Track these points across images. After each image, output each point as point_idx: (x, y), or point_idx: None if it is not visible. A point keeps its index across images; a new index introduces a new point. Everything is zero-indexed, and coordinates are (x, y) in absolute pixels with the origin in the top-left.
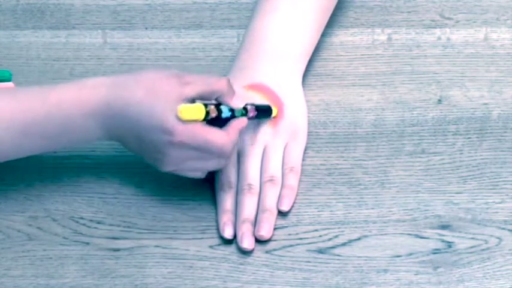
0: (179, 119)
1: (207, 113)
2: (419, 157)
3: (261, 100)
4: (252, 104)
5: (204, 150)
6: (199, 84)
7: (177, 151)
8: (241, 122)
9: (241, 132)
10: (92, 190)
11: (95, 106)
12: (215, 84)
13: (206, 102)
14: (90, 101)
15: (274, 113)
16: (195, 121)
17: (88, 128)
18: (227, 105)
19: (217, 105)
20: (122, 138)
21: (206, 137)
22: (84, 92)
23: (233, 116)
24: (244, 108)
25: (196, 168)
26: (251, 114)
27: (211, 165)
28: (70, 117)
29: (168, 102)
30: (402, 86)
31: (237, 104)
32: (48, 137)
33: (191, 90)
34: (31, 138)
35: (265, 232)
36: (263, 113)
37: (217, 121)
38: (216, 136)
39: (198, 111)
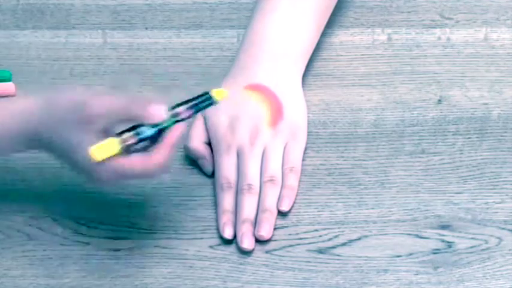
0: (97, 161)
1: (123, 143)
2: (419, 157)
3: (258, 101)
4: (184, 102)
5: (135, 177)
6: (106, 117)
7: (107, 183)
8: (174, 134)
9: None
10: (92, 190)
11: (19, 133)
12: (133, 110)
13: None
14: (13, 128)
15: (220, 96)
16: (112, 157)
17: (19, 146)
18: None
19: (135, 127)
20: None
21: (128, 169)
22: (7, 117)
23: (163, 128)
24: (176, 114)
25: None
26: (186, 115)
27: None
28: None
29: (82, 140)
30: (402, 86)
31: (160, 115)
32: None
33: (98, 126)
34: None
35: (265, 232)
36: (202, 103)
37: (146, 140)
38: (140, 165)
39: (111, 147)
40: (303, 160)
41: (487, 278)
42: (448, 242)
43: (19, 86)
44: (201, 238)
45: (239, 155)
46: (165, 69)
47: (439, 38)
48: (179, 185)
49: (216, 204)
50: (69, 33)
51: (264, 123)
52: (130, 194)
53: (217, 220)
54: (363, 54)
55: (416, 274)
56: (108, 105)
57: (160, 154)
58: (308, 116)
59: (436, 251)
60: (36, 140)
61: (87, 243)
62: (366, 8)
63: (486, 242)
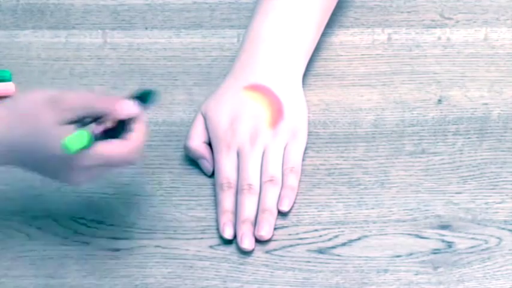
0: (70, 152)
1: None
2: (419, 157)
3: (259, 101)
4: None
5: (107, 165)
6: (78, 108)
7: (80, 173)
8: (142, 121)
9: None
10: (92, 190)
11: None
12: (96, 105)
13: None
14: None
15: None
16: (85, 148)
17: None
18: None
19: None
20: (29, 170)
21: (104, 153)
22: None
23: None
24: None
25: (110, 173)
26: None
27: (122, 168)
28: None
29: (52, 133)
30: (402, 86)
31: (128, 109)
32: None
33: (71, 116)
34: None
35: (265, 232)
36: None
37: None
38: (114, 149)
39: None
40: (303, 160)
41: (487, 278)
42: (448, 242)
43: (19, 86)
44: (201, 238)
45: (239, 155)
46: (165, 69)
47: (439, 38)
48: (179, 185)
49: (216, 204)
50: (69, 33)
51: (264, 124)
52: (130, 194)
53: (217, 220)
54: (362, 54)
55: (416, 274)
56: (80, 97)
57: (134, 139)
58: (308, 116)
59: (436, 251)
60: (5, 145)
61: (87, 243)
62: (366, 8)
63: (486, 242)
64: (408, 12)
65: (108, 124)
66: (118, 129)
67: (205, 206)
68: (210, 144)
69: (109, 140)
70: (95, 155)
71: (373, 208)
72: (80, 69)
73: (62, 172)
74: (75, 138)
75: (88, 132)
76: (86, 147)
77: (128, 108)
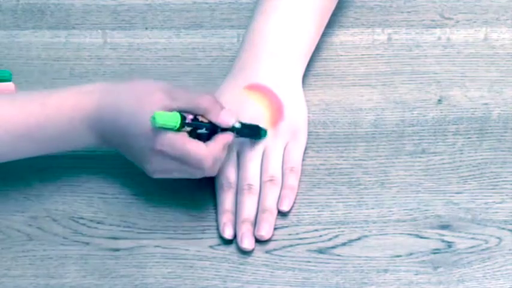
0: (155, 125)
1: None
2: (419, 157)
3: (258, 101)
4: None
5: (183, 161)
6: (184, 100)
7: (158, 159)
8: (225, 137)
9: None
10: (92, 190)
11: (90, 112)
12: (198, 101)
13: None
14: (86, 106)
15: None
16: (170, 130)
17: (84, 133)
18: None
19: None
20: (115, 145)
21: (185, 146)
22: (81, 97)
23: (214, 131)
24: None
25: (181, 178)
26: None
27: (191, 177)
28: (68, 122)
29: (152, 112)
30: (402, 86)
31: (227, 120)
32: (47, 140)
33: (176, 104)
34: (30, 141)
35: (265, 232)
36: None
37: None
38: (195, 148)
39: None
40: (303, 160)
41: (487, 278)
42: (448, 242)
43: (19, 86)
44: (201, 238)
45: (239, 155)
46: (165, 69)
47: (439, 38)
48: (179, 185)
49: (216, 204)
50: (69, 33)
51: (264, 123)
52: (130, 194)
53: (217, 220)
54: (363, 54)
55: (416, 274)
56: (188, 92)
57: (213, 147)
58: (308, 116)
59: (436, 251)
60: (112, 107)
61: (87, 243)
62: (366, 8)
63: (486, 242)
64: (408, 12)
65: (203, 119)
66: (206, 128)
67: (205, 206)
68: None
69: (195, 139)
70: (176, 144)
71: (373, 208)
72: (80, 69)
73: (143, 152)
74: (166, 114)
75: (180, 115)
76: (172, 128)
77: (228, 121)
